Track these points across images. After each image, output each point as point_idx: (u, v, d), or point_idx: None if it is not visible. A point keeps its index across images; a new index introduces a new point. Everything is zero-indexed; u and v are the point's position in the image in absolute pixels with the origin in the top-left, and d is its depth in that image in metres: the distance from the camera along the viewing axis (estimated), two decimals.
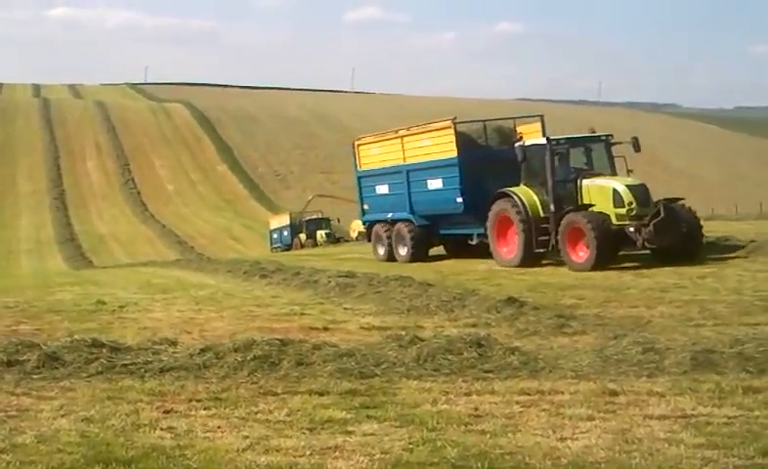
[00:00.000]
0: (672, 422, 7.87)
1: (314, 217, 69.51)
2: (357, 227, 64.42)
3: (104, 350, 11.06)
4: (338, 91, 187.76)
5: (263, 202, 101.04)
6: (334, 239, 64.95)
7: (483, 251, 26.64)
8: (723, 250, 26.62)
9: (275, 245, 69.85)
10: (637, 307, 15.50)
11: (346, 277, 20.93)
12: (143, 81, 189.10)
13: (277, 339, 11.34)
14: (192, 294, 19.93)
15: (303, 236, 66.36)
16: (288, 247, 66.68)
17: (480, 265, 25.79)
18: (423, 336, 11.92)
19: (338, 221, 68.76)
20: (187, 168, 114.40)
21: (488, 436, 7.55)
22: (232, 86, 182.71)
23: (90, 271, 46.45)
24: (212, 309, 16.88)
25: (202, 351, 10.93)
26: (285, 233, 69.29)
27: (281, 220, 72.25)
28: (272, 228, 73.17)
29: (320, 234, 66.25)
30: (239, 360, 10.53)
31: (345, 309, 16.46)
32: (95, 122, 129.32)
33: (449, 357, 10.59)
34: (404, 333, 12.02)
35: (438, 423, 7.95)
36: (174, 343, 11.73)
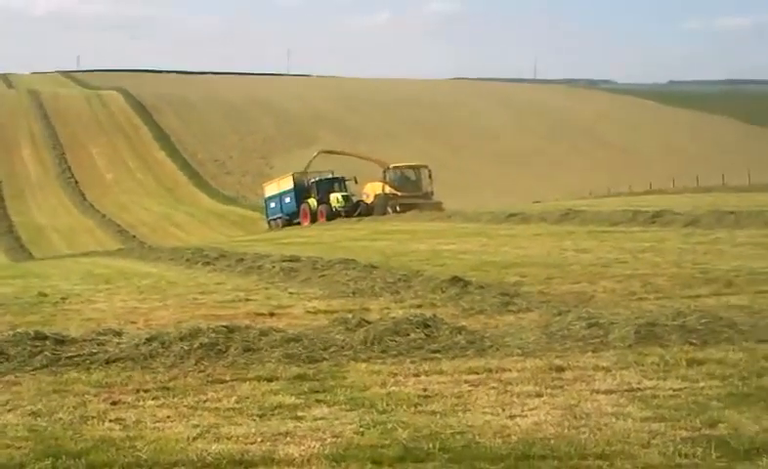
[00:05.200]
0: (619, 396, 7.97)
1: (325, 176, 56.01)
2: (373, 190, 53.95)
3: (47, 342, 10.89)
4: (275, 74, 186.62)
5: (203, 189, 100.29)
6: (353, 206, 53.70)
7: None
8: (662, 224, 27.04)
9: (273, 217, 58.45)
10: (580, 283, 15.67)
11: (290, 261, 20.91)
12: (75, 68, 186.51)
13: (224, 326, 11.24)
14: (135, 283, 19.79)
15: (313, 202, 54.29)
16: (291, 218, 55.56)
17: (422, 245, 25.90)
18: (370, 318, 11.94)
19: (355, 181, 56.08)
20: (124, 156, 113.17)
21: (438, 416, 7.58)
22: (167, 71, 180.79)
23: (30, 263, 45.90)
24: (156, 298, 16.76)
25: (148, 340, 10.82)
26: (288, 199, 56.59)
27: (282, 184, 58.66)
28: (267, 195, 60.36)
29: (336, 197, 53.97)
30: (186, 348, 10.44)
31: (290, 293, 16.45)
32: (29, 111, 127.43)
33: (397, 338, 10.62)
34: (350, 316, 12.00)
35: (388, 405, 7.97)
36: (119, 334, 11.59)
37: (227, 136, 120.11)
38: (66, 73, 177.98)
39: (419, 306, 13.64)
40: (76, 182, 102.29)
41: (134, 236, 71.75)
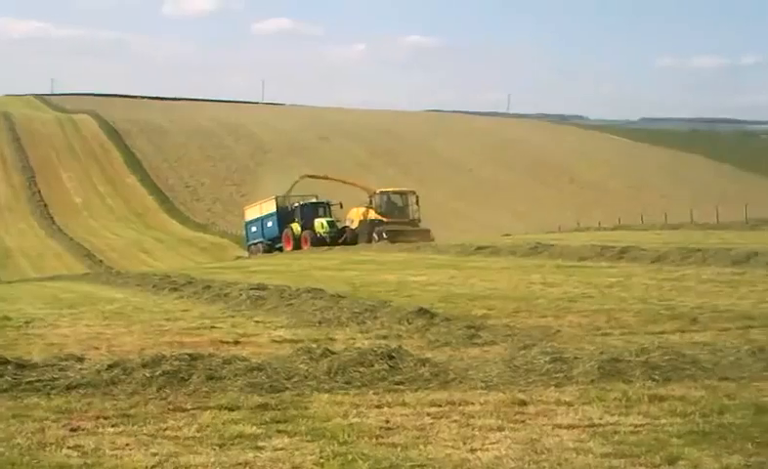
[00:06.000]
0: (580, 431, 7.96)
1: (310, 201, 54.46)
2: (358, 216, 52.03)
3: (8, 367, 10.77)
4: (249, 102, 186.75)
5: (173, 215, 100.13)
6: (338, 232, 52.35)
7: None
8: (629, 260, 27.18)
9: (253, 242, 57.11)
10: (546, 317, 15.68)
11: (257, 289, 20.82)
12: (49, 92, 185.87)
13: (187, 354, 11.16)
14: (100, 309, 19.64)
15: (297, 227, 52.65)
16: (273, 243, 54.26)
17: (391, 275, 25.89)
18: (334, 349, 11.88)
19: (341, 206, 54.52)
20: (95, 181, 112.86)
21: (399, 448, 7.54)
22: (141, 97, 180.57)
23: None
24: (121, 323, 16.64)
25: (110, 367, 10.72)
26: (270, 223, 54.96)
27: (264, 208, 56.52)
28: (248, 219, 58.36)
29: (321, 222, 52.54)
30: (148, 375, 10.35)
31: (256, 322, 16.38)
32: (0, 134, 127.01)
33: (361, 369, 10.57)
34: (315, 346, 11.95)
35: (349, 436, 7.92)
36: (81, 359, 11.49)
37: (199, 162, 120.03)
38: (40, 97, 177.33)
39: (385, 337, 13.60)
40: (45, 205, 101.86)
41: (102, 261, 71.35)
